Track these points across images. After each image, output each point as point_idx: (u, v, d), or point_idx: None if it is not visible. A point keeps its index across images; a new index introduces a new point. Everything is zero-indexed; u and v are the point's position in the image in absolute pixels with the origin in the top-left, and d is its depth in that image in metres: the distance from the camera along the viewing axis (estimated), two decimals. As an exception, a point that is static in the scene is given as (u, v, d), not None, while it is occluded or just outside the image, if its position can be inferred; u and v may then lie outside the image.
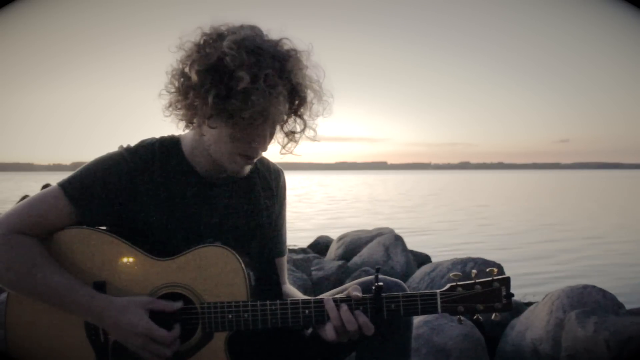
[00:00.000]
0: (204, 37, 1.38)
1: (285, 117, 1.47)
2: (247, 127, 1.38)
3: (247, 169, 1.53)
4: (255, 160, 1.49)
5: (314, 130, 1.52)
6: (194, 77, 1.35)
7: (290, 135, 1.51)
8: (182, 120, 1.44)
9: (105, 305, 1.39)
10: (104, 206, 1.46)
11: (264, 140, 1.44)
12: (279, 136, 1.51)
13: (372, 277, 1.46)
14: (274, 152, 1.56)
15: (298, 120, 1.49)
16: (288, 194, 1.75)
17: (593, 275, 7.37)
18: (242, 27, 1.40)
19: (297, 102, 1.45)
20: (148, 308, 1.40)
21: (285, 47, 1.41)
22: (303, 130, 1.51)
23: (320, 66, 1.46)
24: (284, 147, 1.53)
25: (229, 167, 1.47)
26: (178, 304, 1.42)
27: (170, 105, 1.43)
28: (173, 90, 1.42)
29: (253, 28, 1.41)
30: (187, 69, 1.37)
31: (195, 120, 1.42)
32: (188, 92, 1.37)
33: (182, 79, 1.39)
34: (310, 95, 1.45)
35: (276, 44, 1.40)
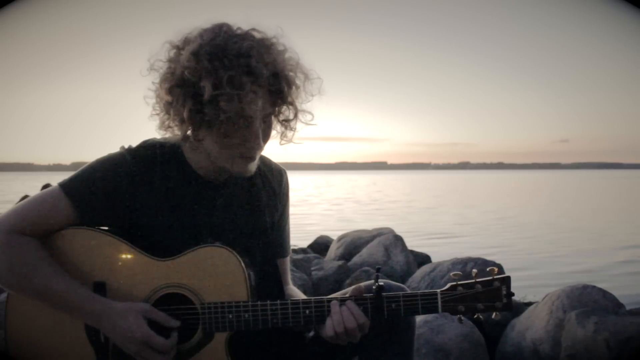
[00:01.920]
0: (169, 52, 1.37)
1: (276, 108, 1.42)
2: (233, 131, 1.35)
3: (254, 167, 1.49)
4: (257, 157, 1.46)
5: (310, 113, 1.47)
6: (166, 96, 1.35)
7: (286, 123, 1.47)
8: (176, 136, 1.42)
9: (105, 309, 1.39)
10: (105, 206, 1.46)
11: (257, 137, 1.39)
12: (276, 127, 1.47)
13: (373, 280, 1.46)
14: (276, 152, 1.54)
15: (290, 107, 1.44)
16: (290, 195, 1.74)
17: (593, 275, 7.36)
18: (205, 30, 1.35)
19: (282, 89, 1.38)
20: (147, 316, 1.40)
21: (254, 39, 1.35)
22: (296, 116, 1.46)
23: (293, 48, 1.41)
24: (281, 136, 1.49)
25: (234, 169, 1.46)
26: (176, 322, 1.42)
27: (161, 125, 1.41)
28: (158, 110, 1.41)
29: (220, 27, 1.36)
30: (159, 89, 1.37)
31: (187, 134, 1.40)
32: (169, 111, 1.37)
33: (162, 99, 1.38)
34: (293, 78, 1.40)
35: (242, 38, 1.34)
